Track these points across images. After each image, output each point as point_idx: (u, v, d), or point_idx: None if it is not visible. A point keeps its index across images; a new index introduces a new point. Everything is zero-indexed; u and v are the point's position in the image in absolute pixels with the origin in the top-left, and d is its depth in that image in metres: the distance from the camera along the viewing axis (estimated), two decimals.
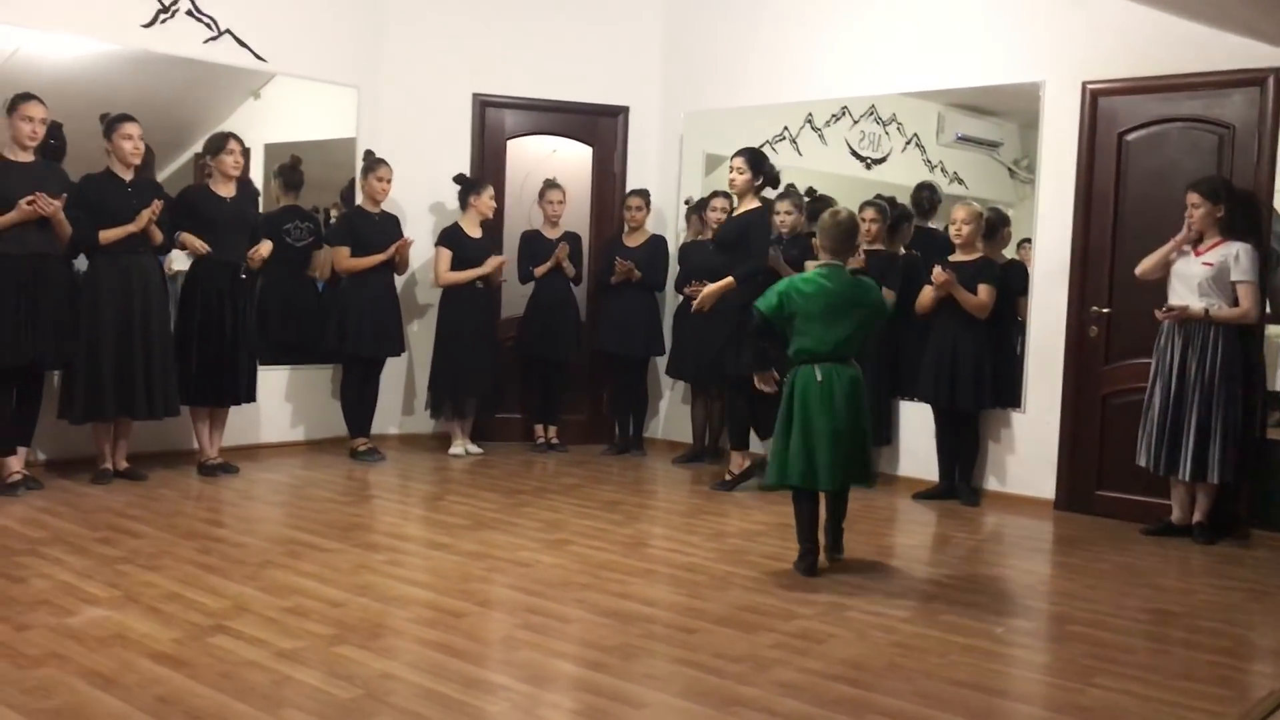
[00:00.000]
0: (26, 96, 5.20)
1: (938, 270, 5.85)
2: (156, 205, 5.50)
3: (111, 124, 5.54)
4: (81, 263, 5.59)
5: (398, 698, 2.95)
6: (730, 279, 5.97)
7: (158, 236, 5.62)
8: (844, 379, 4.36)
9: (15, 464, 5.33)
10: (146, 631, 3.38)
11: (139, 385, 5.54)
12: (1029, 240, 6.19)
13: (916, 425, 6.37)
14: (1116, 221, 5.77)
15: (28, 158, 5.24)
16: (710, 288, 6.06)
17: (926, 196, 6.69)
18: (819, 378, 4.34)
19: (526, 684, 3.11)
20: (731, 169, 6.02)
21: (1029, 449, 6.03)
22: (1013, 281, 6.07)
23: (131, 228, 5.46)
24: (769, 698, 3.05)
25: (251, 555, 4.37)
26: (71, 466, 5.79)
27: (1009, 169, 6.68)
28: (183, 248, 5.81)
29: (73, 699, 2.85)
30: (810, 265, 6.34)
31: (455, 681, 3.08)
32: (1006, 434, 6.11)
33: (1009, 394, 6.07)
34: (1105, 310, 5.80)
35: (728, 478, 6.23)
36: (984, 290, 5.85)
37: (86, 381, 5.46)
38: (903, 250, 6.51)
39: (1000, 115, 6.69)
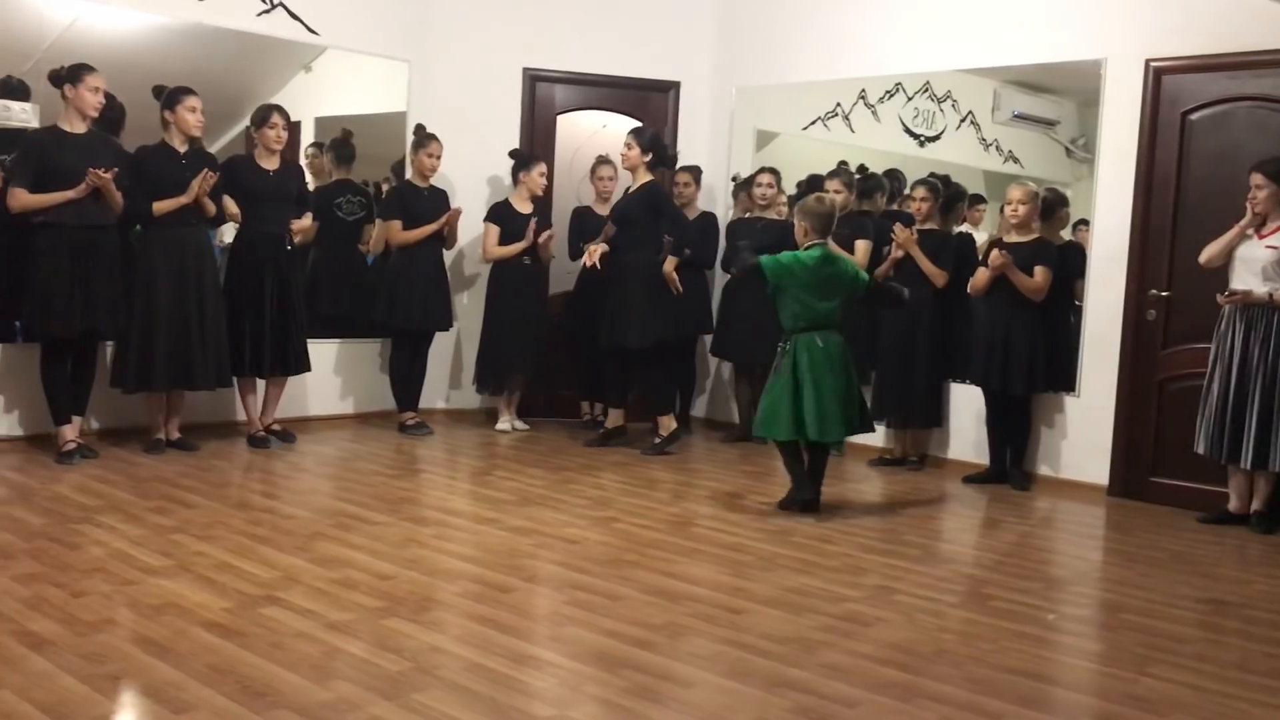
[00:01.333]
0: (88, 68, 5.23)
1: (994, 253, 5.77)
2: (208, 175, 5.53)
3: (174, 96, 5.57)
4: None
5: (446, 671, 2.96)
6: (604, 246, 6.40)
7: (210, 208, 5.66)
8: (837, 344, 5.02)
9: (70, 432, 5.41)
10: (199, 601, 3.43)
11: (192, 356, 5.60)
12: (1086, 221, 6.08)
13: (967, 408, 6.29)
14: (1178, 203, 5.65)
15: (82, 128, 5.29)
16: (595, 249, 6.37)
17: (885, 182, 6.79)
18: (820, 344, 4.96)
19: (573, 660, 3.11)
20: (624, 145, 6.37)
21: (1082, 434, 5.94)
22: (1069, 264, 5.96)
23: (184, 199, 5.51)
24: (816, 680, 3.03)
25: (302, 527, 4.41)
26: (125, 436, 5.88)
27: (1066, 148, 6.56)
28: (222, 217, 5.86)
29: (128, 665, 2.89)
30: (849, 245, 6.29)
31: (503, 656, 3.09)
32: (1059, 418, 6.02)
33: (1063, 377, 5.98)
34: (1164, 294, 5.68)
35: (657, 440, 6.45)
36: (1040, 272, 5.76)
37: (139, 352, 5.52)
38: (956, 229, 6.42)
39: (1058, 93, 6.56)
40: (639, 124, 7.01)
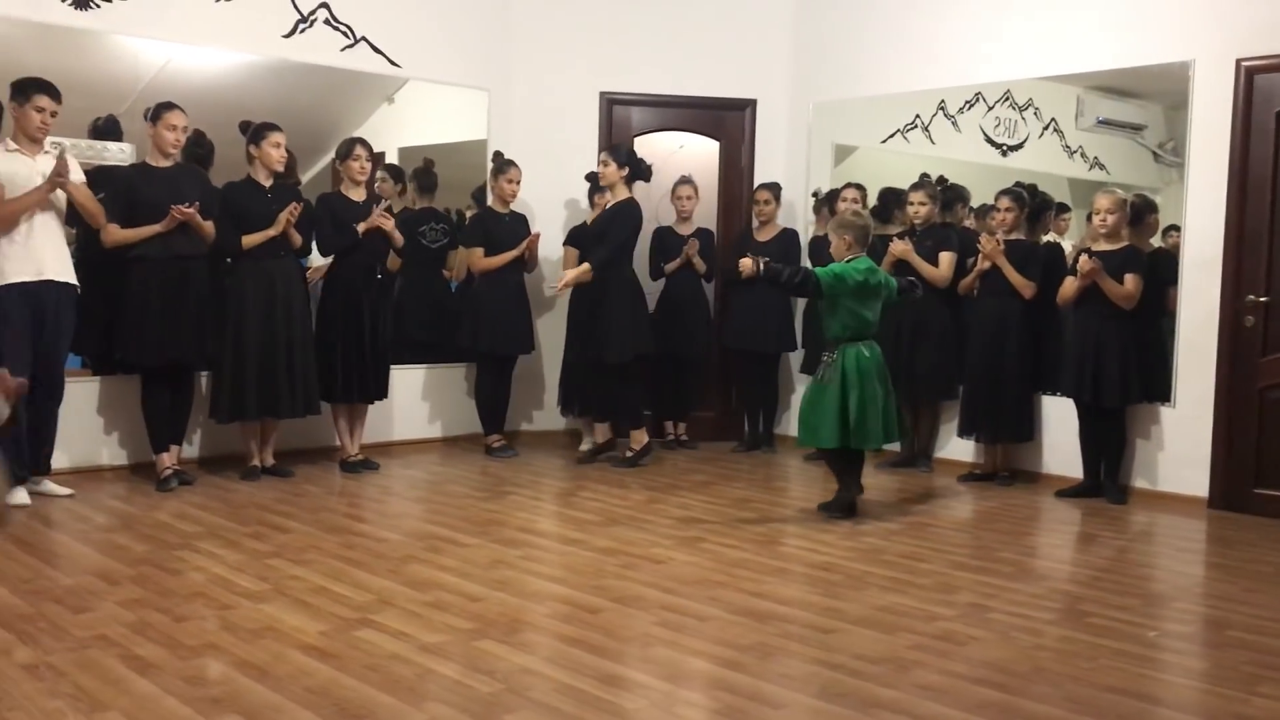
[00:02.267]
0: (168, 106, 5.42)
1: (1083, 259, 5.66)
2: (293, 207, 5.68)
3: (258, 132, 5.74)
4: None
5: (537, 693, 2.98)
6: (587, 266, 6.29)
7: (297, 240, 5.80)
8: (879, 354, 5.23)
9: (168, 460, 5.57)
10: (296, 624, 3.49)
11: (281, 385, 5.73)
12: (1177, 227, 5.93)
13: (1059, 420, 6.16)
14: (1275, 205, 5.49)
15: (168, 164, 5.47)
16: (569, 274, 6.37)
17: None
18: (866, 353, 5.15)
19: (664, 681, 3.11)
20: (599, 163, 6.41)
21: (1179, 445, 5.78)
22: (1160, 271, 5.82)
23: (271, 232, 5.66)
24: (910, 700, 2.99)
25: (393, 550, 4.48)
26: (222, 463, 6.03)
27: (1154, 153, 6.40)
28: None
29: (229, 688, 2.96)
30: (933, 257, 6.22)
31: (593, 678, 3.10)
32: (1155, 430, 5.87)
33: (1157, 388, 5.83)
34: (1262, 299, 5.51)
35: (629, 454, 6.47)
36: (1130, 280, 5.63)
37: (231, 382, 5.67)
38: (1044, 239, 6.31)
39: (1144, 97, 6.42)
40: (716, 141, 7.03)
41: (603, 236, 6.34)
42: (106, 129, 5.74)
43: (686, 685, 3.10)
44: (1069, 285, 5.79)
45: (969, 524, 5.35)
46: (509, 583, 4.05)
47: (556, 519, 5.27)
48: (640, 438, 6.52)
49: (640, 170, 6.45)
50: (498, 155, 6.90)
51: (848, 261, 5.17)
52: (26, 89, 5.03)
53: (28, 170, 5.01)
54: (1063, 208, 6.70)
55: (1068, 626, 3.70)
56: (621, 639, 3.50)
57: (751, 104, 7.58)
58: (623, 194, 6.36)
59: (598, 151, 7.33)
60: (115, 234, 5.34)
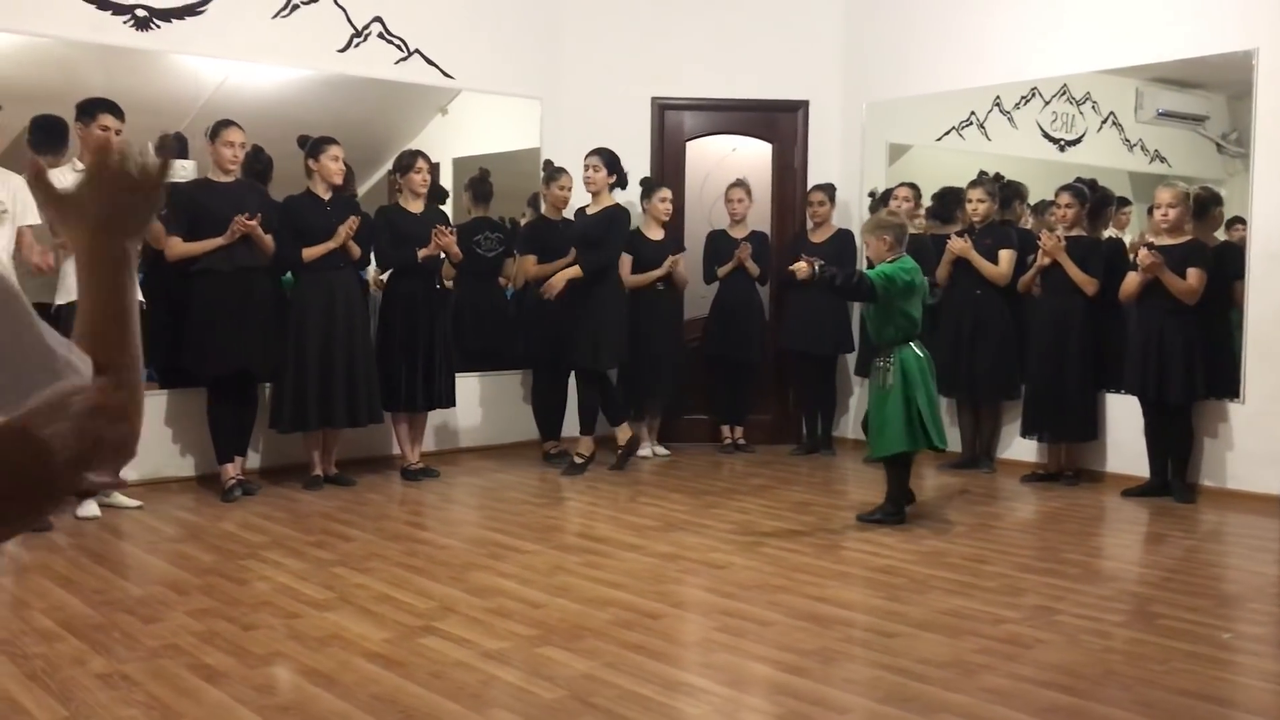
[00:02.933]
0: (226, 123, 5.53)
1: (1143, 252, 5.56)
2: (353, 221, 5.75)
3: (317, 145, 5.82)
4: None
5: (600, 699, 2.98)
6: (578, 269, 6.28)
7: (356, 252, 5.87)
8: (928, 354, 5.13)
9: (232, 470, 5.66)
10: (361, 632, 3.53)
11: (340, 395, 5.80)
12: (1242, 220, 5.81)
13: (1124, 418, 6.06)
14: None
15: (229, 178, 5.57)
16: (560, 275, 6.27)
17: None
18: (920, 353, 5.04)
19: (726, 687, 3.10)
20: (588, 168, 6.35)
21: (1250, 442, 5.65)
22: (1226, 264, 5.70)
23: (331, 244, 5.73)
24: (977, 705, 2.95)
25: (455, 557, 4.51)
26: (285, 473, 6.12)
27: (1217, 144, 6.28)
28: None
29: (297, 696, 3.00)
30: (992, 254, 6.14)
31: (655, 683, 3.10)
32: (1223, 427, 5.75)
33: (1224, 384, 5.71)
34: None
35: (578, 461, 6.40)
36: (1194, 274, 5.52)
37: (293, 393, 5.75)
38: (1106, 235, 6.22)
39: (1206, 87, 6.30)
40: (769, 143, 6.99)
41: (600, 242, 6.32)
42: (176, 146, 5.84)
43: (749, 690, 3.09)
44: (1131, 280, 5.69)
45: (1033, 525, 5.27)
46: (570, 589, 4.06)
47: (615, 524, 5.27)
48: (589, 445, 6.49)
49: (623, 177, 6.48)
50: (548, 163, 6.93)
51: (892, 262, 5.07)
52: (91, 109, 5.15)
53: None
54: (1123, 202, 6.60)
55: (1138, 629, 3.63)
56: (683, 644, 3.50)
57: (804, 105, 7.54)
58: (608, 200, 6.38)
59: (650, 154, 7.38)
60: (178, 247, 5.45)
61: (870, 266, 5.17)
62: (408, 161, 6.17)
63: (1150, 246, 5.59)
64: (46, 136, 5.40)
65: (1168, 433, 5.75)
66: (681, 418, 7.37)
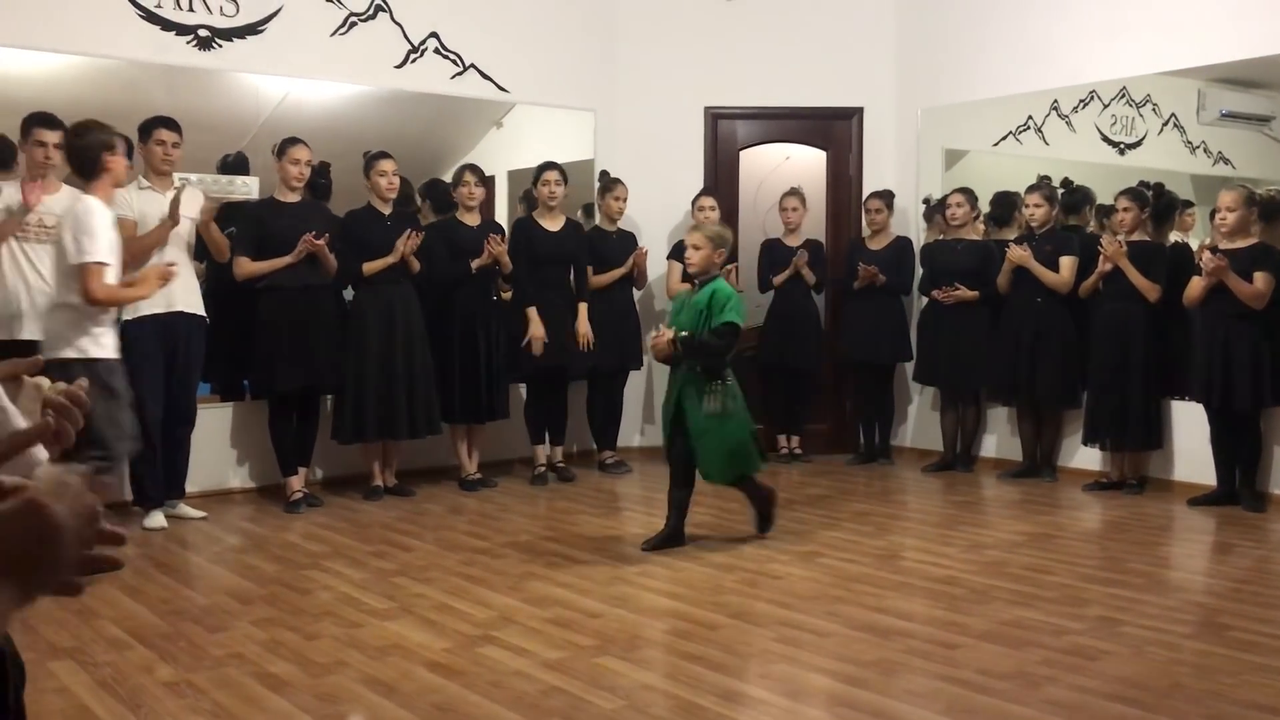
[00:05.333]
0: (293, 141, 5.62)
1: (1207, 256, 5.46)
2: (412, 235, 5.82)
3: (369, 162, 5.91)
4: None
5: (659, 709, 2.98)
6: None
7: (415, 266, 5.93)
8: None
9: (296, 483, 5.74)
10: (421, 641, 3.56)
11: (400, 407, 5.86)
12: None
13: (1190, 426, 5.94)
14: None
15: (295, 198, 5.66)
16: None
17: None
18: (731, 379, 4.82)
19: (785, 698, 3.08)
20: (554, 182, 6.38)
21: None
22: None
23: (391, 259, 5.80)
24: (1041, 717, 2.91)
25: (512, 566, 4.54)
26: (346, 484, 6.19)
27: None
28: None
29: (359, 705, 3.03)
30: (1052, 262, 6.06)
31: (713, 694, 3.09)
32: None
33: None
34: None
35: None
36: (1260, 278, 5.41)
37: (353, 405, 5.83)
38: (1170, 240, 6.11)
39: (1270, 87, 6.18)
40: (823, 151, 6.96)
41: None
42: (236, 165, 5.96)
43: (808, 702, 3.07)
44: (1195, 285, 5.59)
45: (1097, 534, 5.19)
46: (627, 599, 4.06)
47: None
48: (539, 454, 6.61)
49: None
50: (603, 174, 6.97)
51: (711, 280, 4.77)
52: (148, 127, 5.28)
53: (159, 207, 5.23)
54: (1186, 204, 6.49)
55: (1206, 640, 3.56)
56: (741, 655, 3.49)
57: (858, 112, 7.51)
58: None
59: (703, 163, 7.39)
60: (246, 267, 5.55)
61: (700, 274, 4.79)
62: (458, 176, 6.27)
63: (1215, 250, 5.49)
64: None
65: (1235, 440, 5.63)
66: None
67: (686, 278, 5.22)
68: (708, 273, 4.80)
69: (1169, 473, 6.08)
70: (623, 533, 5.24)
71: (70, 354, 4.43)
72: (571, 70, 7.25)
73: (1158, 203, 6.00)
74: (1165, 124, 6.47)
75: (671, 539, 4.88)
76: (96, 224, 4.45)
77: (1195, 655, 3.42)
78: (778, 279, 7.04)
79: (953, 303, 6.62)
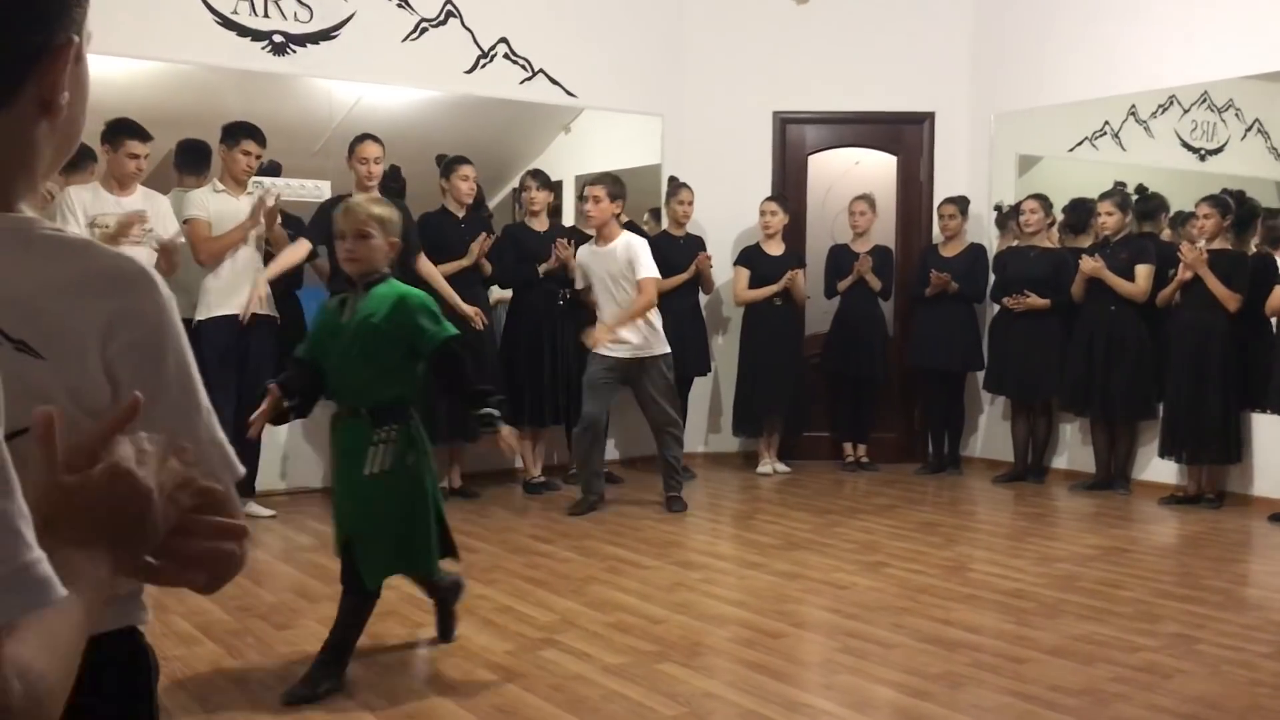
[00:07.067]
0: (363, 137, 5.63)
1: None
2: (486, 239, 5.87)
3: (449, 165, 5.97)
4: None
5: (719, 717, 2.96)
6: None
7: (487, 269, 5.99)
8: None
9: None
10: (484, 643, 3.58)
11: (469, 410, 5.89)
12: None
13: (1271, 440, 5.77)
14: None
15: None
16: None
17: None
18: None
19: (848, 709, 3.04)
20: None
21: None
22: None
23: (465, 261, 5.85)
24: None
25: (575, 570, 4.54)
26: None
27: None
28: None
29: (422, 705, 3.05)
30: (1128, 270, 5.93)
31: (776, 704, 3.06)
32: None
33: None
34: None
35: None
36: None
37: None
38: (1253, 249, 5.95)
39: None
40: (894, 155, 6.86)
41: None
42: (268, 170, 6.04)
43: (872, 714, 3.03)
44: (1277, 295, 5.42)
45: (1172, 549, 5.06)
46: (689, 605, 4.04)
47: (735, 542, 5.24)
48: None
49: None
50: (671, 180, 6.96)
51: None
52: (236, 134, 5.35)
53: (233, 210, 5.32)
54: (1271, 213, 6.30)
55: None
56: (804, 665, 3.45)
57: (930, 116, 7.41)
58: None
59: (771, 168, 7.34)
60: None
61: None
62: (522, 183, 6.34)
63: None
64: (191, 159, 5.66)
65: None
66: (802, 435, 7.29)
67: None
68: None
69: (1248, 488, 5.91)
70: (685, 540, 5.22)
71: None
72: (639, 75, 7.25)
73: (1239, 210, 5.84)
74: (1248, 129, 6.30)
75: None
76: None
77: (1274, 675, 3.31)
78: (842, 285, 6.97)
79: (1023, 310, 6.50)
